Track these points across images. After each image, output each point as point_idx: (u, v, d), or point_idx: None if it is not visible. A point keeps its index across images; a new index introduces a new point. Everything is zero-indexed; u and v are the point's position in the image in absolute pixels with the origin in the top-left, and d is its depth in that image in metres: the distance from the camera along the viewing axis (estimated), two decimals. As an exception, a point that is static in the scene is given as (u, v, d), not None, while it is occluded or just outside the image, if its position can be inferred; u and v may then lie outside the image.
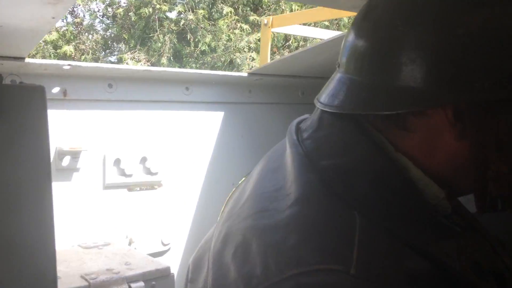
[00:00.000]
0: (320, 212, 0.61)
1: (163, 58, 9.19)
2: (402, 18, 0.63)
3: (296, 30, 2.77)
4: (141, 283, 1.34)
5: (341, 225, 0.60)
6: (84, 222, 1.79)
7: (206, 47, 9.20)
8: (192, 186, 2.06)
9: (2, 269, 0.92)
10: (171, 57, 9.38)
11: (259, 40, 9.19)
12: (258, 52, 9.26)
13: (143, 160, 1.91)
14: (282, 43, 9.67)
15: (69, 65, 1.67)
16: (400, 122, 0.65)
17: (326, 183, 0.64)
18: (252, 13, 9.76)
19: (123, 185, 1.88)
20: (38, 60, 1.61)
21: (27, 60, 1.56)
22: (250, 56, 9.26)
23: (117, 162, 1.85)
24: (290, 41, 9.61)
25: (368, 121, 0.68)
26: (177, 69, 1.97)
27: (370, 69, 0.65)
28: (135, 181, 1.90)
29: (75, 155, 1.75)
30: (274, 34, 9.16)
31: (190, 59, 9.47)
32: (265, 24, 2.60)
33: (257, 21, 9.47)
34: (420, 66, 0.60)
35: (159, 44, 9.28)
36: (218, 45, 9.21)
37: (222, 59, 9.22)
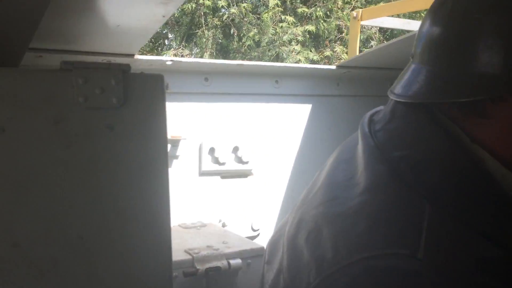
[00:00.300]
0: (388, 200, 0.63)
1: (206, 53, 8.94)
2: (478, 5, 0.63)
3: (386, 22, 2.74)
4: (239, 260, 1.44)
5: (409, 212, 0.61)
6: (182, 205, 1.93)
7: (251, 41, 8.81)
8: (280, 176, 2.14)
9: (129, 236, 1.05)
10: (214, 53, 9.10)
11: (307, 32, 8.78)
12: (303, 45, 8.85)
13: (235, 149, 2.02)
14: (335, 35, 9.09)
15: (171, 60, 1.81)
16: (478, 110, 0.64)
17: (396, 174, 0.65)
18: (301, 5, 9.21)
19: (216, 172, 2.00)
20: (145, 57, 1.77)
21: (137, 56, 1.72)
22: (294, 49, 8.72)
23: (211, 151, 1.98)
24: (344, 34, 9.02)
25: (442, 111, 0.67)
26: (267, 63, 2.06)
27: (446, 58, 0.65)
28: (227, 169, 2.02)
29: (175, 143, 1.89)
30: (324, 26, 8.81)
31: (237, 55, 9.16)
32: (355, 17, 2.60)
33: (306, 13, 8.99)
34: (497, 52, 0.60)
35: (204, 40, 9.04)
36: (263, 39, 8.80)
37: (269, 54, 8.84)
